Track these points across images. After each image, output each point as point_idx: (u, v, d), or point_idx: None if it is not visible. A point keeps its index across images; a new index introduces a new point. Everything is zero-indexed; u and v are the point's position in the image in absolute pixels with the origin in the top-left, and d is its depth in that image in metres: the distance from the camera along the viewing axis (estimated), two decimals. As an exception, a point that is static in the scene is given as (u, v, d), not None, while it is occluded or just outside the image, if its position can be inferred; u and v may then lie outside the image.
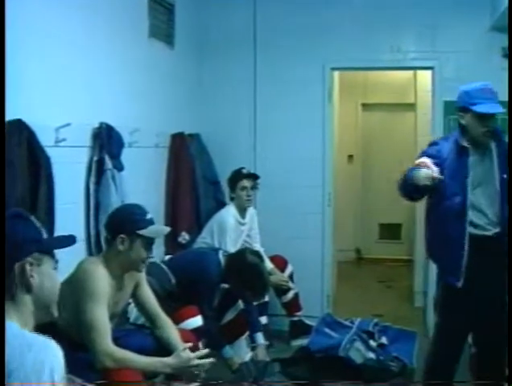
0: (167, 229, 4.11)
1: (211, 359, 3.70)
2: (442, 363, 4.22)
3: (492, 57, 6.19)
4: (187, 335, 4.00)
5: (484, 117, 4.00)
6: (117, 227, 3.57)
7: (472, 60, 6.22)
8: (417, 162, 4.07)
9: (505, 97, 6.12)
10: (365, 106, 10.10)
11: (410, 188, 4.01)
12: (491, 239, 4.05)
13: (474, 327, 4.23)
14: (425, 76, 6.92)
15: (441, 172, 3.97)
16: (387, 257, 9.54)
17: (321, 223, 6.55)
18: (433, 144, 4.29)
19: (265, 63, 6.51)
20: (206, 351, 3.75)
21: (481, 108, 3.98)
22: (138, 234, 3.53)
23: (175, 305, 4.41)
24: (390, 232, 9.97)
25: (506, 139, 4.22)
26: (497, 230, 4.05)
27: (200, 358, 3.62)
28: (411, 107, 8.25)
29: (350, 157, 10.05)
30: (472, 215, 4.02)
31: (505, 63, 6.13)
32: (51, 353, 1.90)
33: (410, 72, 8.30)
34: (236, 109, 6.56)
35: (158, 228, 3.73)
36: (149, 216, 3.62)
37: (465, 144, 4.06)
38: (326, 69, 6.48)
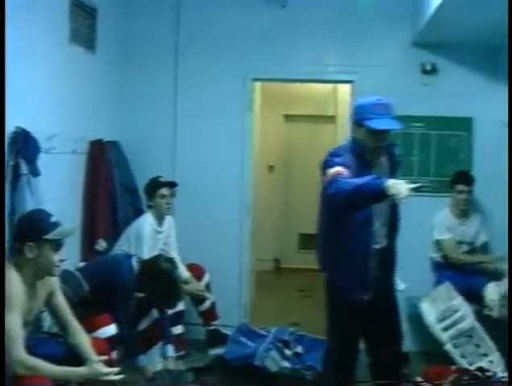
0: (73, 229, 4.10)
1: (121, 376, 3.68)
2: (345, 370, 4.28)
3: (411, 72, 6.38)
4: (101, 344, 3.98)
5: (376, 133, 3.94)
6: (24, 237, 3.54)
7: (392, 75, 6.39)
8: (333, 171, 3.86)
9: (424, 112, 6.35)
10: (288, 117, 10.20)
11: (365, 200, 3.78)
12: (379, 251, 4.11)
13: (369, 335, 4.35)
14: (346, 89, 7.03)
15: None
16: (306, 267, 9.56)
17: (239, 233, 6.59)
18: (335, 155, 4.06)
19: (186, 71, 6.51)
20: (117, 369, 3.70)
21: (373, 124, 3.92)
22: (44, 239, 3.51)
23: (89, 313, 4.35)
24: (310, 242, 9.91)
25: (396, 152, 4.29)
26: (383, 243, 4.13)
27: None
28: (332, 119, 8.39)
29: (271, 167, 10.15)
30: None
31: (425, 78, 6.31)
32: None
33: (332, 85, 8.44)
34: (156, 117, 6.53)
35: (64, 230, 3.67)
36: (53, 219, 3.60)
37: (367, 156, 4.03)
38: (247, 80, 6.53)
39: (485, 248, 6.18)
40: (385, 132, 3.97)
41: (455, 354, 5.41)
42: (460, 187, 6.03)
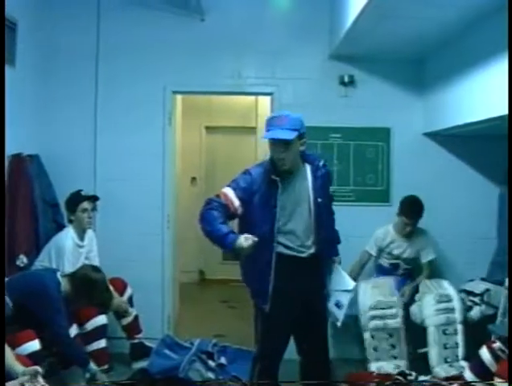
0: None
1: None
2: (268, 377, 4.33)
3: (330, 84, 6.47)
4: (23, 360, 3.91)
5: (273, 144, 4.11)
6: None
7: (311, 87, 6.48)
8: (220, 192, 4.17)
9: (342, 123, 6.46)
10: (209, 129, 10.26)
11: (214, 239, 4.17)
12: (305, 260, 4.23)
13: (295, 339, 4.48)
14: (267, 101, 7.08)
15: (249, 202, 4.11)
16: (230, 278, 9.60)
17: (161, 245, 6.54)
18: (246, 173, 4.28)
19: (107, 85, 6.45)
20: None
21: (265, 135, 4.11)
22: None
23: (14, 329, 4.28)
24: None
25: (321, 163, 4.38)
26: (311, 251, 4.25)
27: None
28: (253, 130, 8.46)
29: (193, 179, 10.18)
30: (285, 240, 4.17)
31: (343, 90, 6.42)
32: None
33: (253, 97, 8.51)
34: (76, 130, 6.43)
35: None
36: None
37: (273, 176, 4.14)
38: (167, 92, 6.51)
39: (431, 264, 6.18)
40: (280, 142, 4.06)
41: (369, 343, 5.54)
42: (406, 221, 6.03)
